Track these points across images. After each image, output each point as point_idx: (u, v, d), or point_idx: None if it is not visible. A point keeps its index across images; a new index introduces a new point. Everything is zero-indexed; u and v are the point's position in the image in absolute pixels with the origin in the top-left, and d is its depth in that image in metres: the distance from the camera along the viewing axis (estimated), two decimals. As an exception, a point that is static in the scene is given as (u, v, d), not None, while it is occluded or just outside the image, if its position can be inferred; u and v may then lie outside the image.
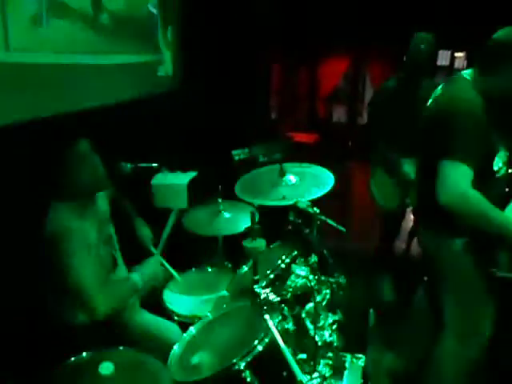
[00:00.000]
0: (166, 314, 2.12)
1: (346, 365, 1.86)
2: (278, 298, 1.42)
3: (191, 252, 2.67)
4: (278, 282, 1.59)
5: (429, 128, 1.96)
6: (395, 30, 5.68)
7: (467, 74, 1.93)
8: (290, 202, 1.82)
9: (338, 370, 1.77)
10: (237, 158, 3.58)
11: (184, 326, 1.96)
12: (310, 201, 1.90)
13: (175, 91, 3.75)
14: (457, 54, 5.48)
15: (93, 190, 1.91)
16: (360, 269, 3.47)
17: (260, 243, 1.32)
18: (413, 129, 2.13)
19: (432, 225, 2.04)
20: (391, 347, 2.82)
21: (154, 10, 3.47)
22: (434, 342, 2.17)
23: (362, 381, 1.90)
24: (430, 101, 2.05)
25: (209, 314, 1.81)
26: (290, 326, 1.61)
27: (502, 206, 1.85)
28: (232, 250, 2.61)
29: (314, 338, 1.61)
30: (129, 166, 2.24)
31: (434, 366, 2.17)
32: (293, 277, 1.67)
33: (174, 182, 3.16)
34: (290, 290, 1.60)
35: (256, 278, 1.33)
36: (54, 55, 2.46)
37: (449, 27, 3.61)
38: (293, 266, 1.64)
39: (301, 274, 1.59)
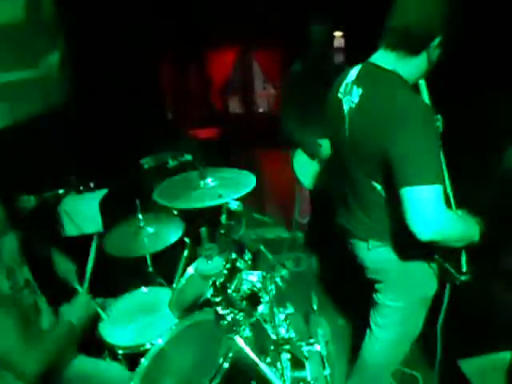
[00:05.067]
0: (108, 350, 1.93)
1: (306, 354, 1.87)
2: (243, 314, 1.35)
3: (120, 277, 2.48)
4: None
5: (365, 144, 1.57)
6: (276, 16, 5.83)
7: (377, 59, 1.60)
8: (223, 201, 1.76)
9: (299, 362, 1.77)
10: (146, 166, 3.40)
11: (132, 358, 1.82)
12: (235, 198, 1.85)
13: (61, 112, 3.45)
14: (335, 34, 5.76)
15: None
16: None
17: (217, 262, 1.23)
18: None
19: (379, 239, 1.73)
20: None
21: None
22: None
23: (321, 366, 1.93)
24: (344, 106, 1.65)
25: (158, 340, 1.69)
26: (247, 332, 1.56)
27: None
28: (163, 265, 2.48)
29: (275, 338, 1.58)
30: (32, 198, 2.00)
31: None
32: (238, 283, 1.61)
33: (83, 205, 2.91)
34: (240, 297, 1.54)
35: (218, 299, 1.24)
36: None
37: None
38: (240, 273, 1.56)
39: (251, 280, 1.53)
